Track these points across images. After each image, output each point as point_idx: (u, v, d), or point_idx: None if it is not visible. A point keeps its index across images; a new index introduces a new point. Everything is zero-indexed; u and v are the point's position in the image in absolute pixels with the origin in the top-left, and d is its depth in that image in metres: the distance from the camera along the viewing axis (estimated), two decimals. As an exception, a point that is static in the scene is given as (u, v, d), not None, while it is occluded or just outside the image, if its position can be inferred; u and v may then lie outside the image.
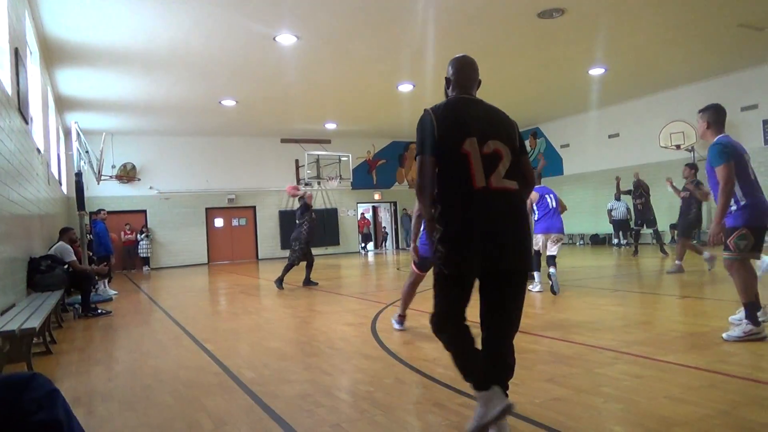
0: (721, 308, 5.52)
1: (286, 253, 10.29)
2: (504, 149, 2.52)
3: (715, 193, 4.19)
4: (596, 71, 13.24)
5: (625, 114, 17.14)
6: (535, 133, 20.77)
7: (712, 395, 2.97)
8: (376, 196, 22.63)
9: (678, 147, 14.94)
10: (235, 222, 20.30)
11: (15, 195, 6.04)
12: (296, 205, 16.94)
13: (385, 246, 24.46)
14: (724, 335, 4.19)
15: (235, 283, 11.84)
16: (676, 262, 8.91)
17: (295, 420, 2.94)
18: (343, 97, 14.63)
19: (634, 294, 7.25)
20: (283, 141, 20.58)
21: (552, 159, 19.46)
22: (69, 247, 7.73)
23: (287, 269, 9.89)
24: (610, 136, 17.78)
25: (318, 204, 19.10)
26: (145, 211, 18.63)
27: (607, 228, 17.30)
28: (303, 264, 10.06)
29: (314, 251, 10.49)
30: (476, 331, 2.66)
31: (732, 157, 4.13)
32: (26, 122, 7.26)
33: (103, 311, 7.66)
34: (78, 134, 10.32)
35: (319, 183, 19.97)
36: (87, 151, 11.19)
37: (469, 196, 2.42)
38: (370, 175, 22.28)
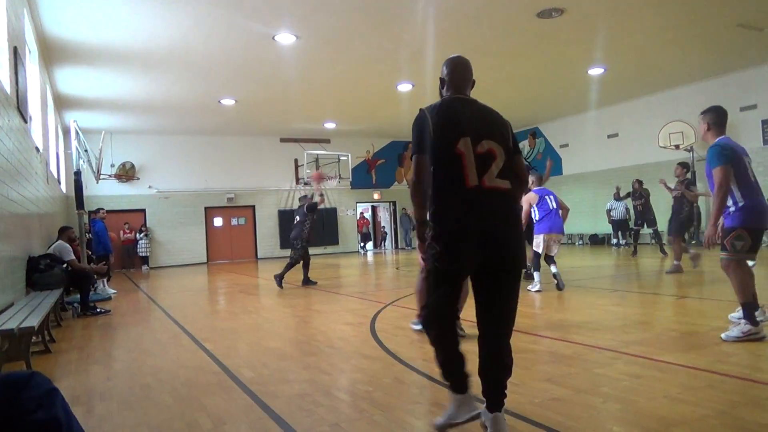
0: (719, 308, 5.52)
1: (285, 252, 10.35)
2: (498, 149, 2.55)
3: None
4: (595, 71, 13.25)
5: (624, 114, 17.14)
6: (535, 133, 20.78)
7: (710, 395, 2.98)
8: (376, 196, 22.63)
9: (677, 147, 14.95)
10: (234, 221, 20.30)
11: (14, 194, 6.03)
12: (296, 204, 16.93)
13: (384, 245, 24.47)
14: (722, 335, 4.19)
15: (234, 282, 11.84)
16: (675, 262, 8.92)
17: (294, 419, 2.94)
18: (343, 96, 14.62)
19: (633, 294, 7.25)
20: (283, 140, 20.57)
21: (551, 159, 19.44)
22: (68, 246, 7.72)
23: (289, 267, 9.90)
24: (609, 136, 17.79)
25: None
26: (144, 210, 18.63)
27: (606, 228, 17.31)
28: (300, 264, 10.08)
29: (313, 250, 10.51)
30: (474, 332, 2.67)
31: (730, 159, 4.14)
32: (25, 121, 7.26)
33: (102, 310, 7.66)
34: (77, 133, 10.31)
35: (318, 182, 19.94)
36: (86, 150, 11.18)
37: (462, 195, 2.46)
38: (369, 174, 22.29)
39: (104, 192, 16.99)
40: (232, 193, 19.86)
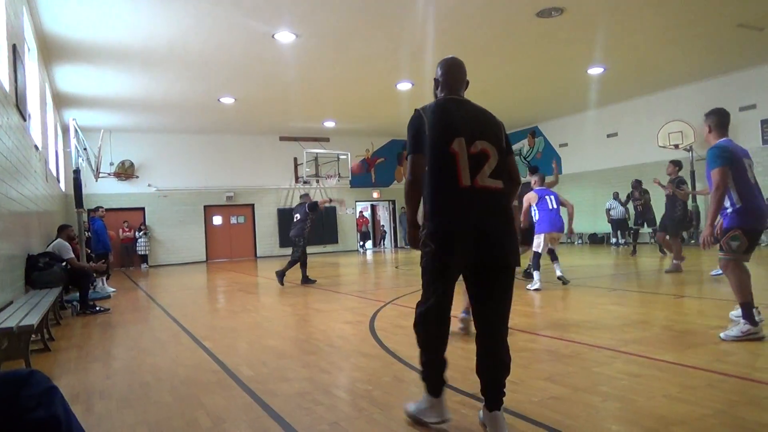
0: (718, 307, 5.53)
1: (284, 251, 10.33)
2: (491, 149, 2.60)
3: None
4: (595, 70, 13.25)
5: (623, 113, 17.15)
6: (534, 132, 20.78)
7: (709, 394, 2.98)
8: (375, 195, 22.63)
9: (676, 146, 14.95)
10: (233, 220, 20.29)
11: (13, 192, 6.03)
12: (295, 202, 16.94)
13: (384, 244, 24.47)
14: (721, 335, 4.20)
15: (233, 280, 11.83)
16: (674, 261, 8.93)
17: (294, 418, 2.94)
18: (342, 95, 14.62)
19: (633, 293, 7.26)
20: (282, 139, 20.56)
21: (550, 158, 19.44)
22: (67, 244, 7.72)
23: (291, 265, 9.91)
24: (608, 136, 17.79)
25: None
26: (143, 209, 18.62)
27: (606, 227, 17.32)
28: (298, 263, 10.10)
29: (312, 249, 10.51)
30: (471, 330, 2.67)
31: (728, 160, 4.18)
32: (24, 119, 7.25)
33: (102, 308, 7.65)
34: (76, 131, 10.29)
35: (317, 181, 19.96)
36: (85, 148, 11.17)
37: (455, 194, 2.50)
38: (368, 173, 22.28)
39: (103, 190, 16.98)
40: (232, 191, 19.85)
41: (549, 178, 8.65)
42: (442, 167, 2.53)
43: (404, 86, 13.61)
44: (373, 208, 25.45)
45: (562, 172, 7.75)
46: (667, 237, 9.37)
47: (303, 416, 2.96)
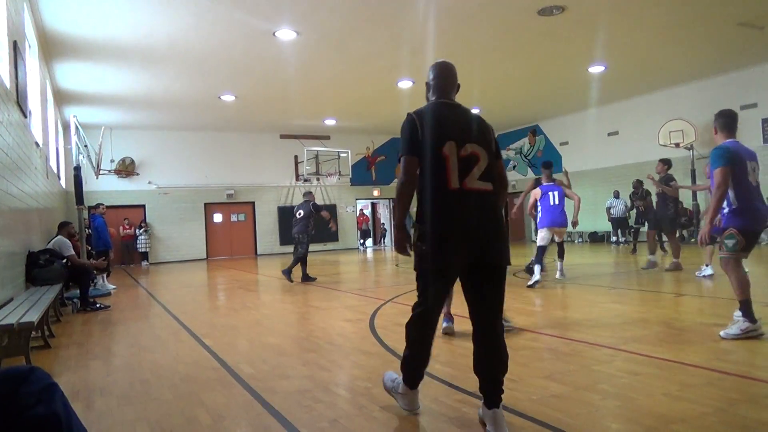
0: (718, 306, 5.54)
1: (284, 249, 10.36)
2: (481, 152, 2.67)
3: None
4: (596, 69, 13.23)
5: (624, 112, 17.13)
6: (535, 131, 20.76)
7: (709, 393, 2.98)
8: (375, 193, 22.62)
9: (677, 145, 14.94)
10: (234, 217, 20.29)
11: (14, 189, 6.03)
12: (295, 200, 16.95)
13: (384, 242, 24.47)
14: (721, 333, 4.21)
15: (233, 278, 11.84)
16: (673, 260, 8.94)
17: (294, 415, 2.94)
18: (343, 93, 14.61)
19: (632, 291, 7.26)
20: (283, 137, 20.55)
21: (551, 156, 19.43)
22: (67, 241, 7.72)
23: (296, 262, 9.96)
24: (609, 134, 17.78)
25: (317, 200, 19.11)
26: (143, 206, 18.62)
27: (606, 226, 17.32)
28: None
29: (313, 247, 10.54)
30: (468, 328, 2.68)
31: (729, 161, 4.23)
32: (25, 116, 7.25)
33: (102, 306, 7.65)
34: (77, 128, 10.29)
35: (318, 179, 19.97)
36: (86, 145, 11.17)
37: (445, 196, 2.58)
38: (369, 171, 22.27)
39: (104, 187, 16.98)
40: (232, 189, 19.85)
41: (558, 175, 8.75)
42: (433, 170, 2.60)
43: (405, 84, 13.59)
44: (373, 206, 25.45)
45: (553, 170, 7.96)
46: (661, 235, 9.44)
47: (303, 413, 2.97)
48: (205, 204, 19.61)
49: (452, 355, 4.10)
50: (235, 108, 15.63)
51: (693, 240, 14.20)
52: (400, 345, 4.48)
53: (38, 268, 6.78)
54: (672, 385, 3.15)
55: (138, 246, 18.04)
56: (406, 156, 2.64)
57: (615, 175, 17.23)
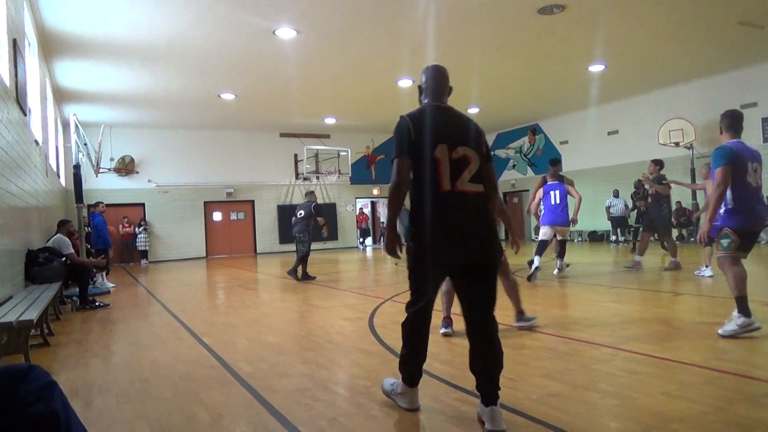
0: (716, 305, 5.54)
1: (284, 247, 10.37)
2: (473, 155, 2.72)
3: None
4: (596, 68, 13.23)
5: (624, 111, 17.13)
6: (535, 130, 20.75)
7: (708, 392, 2.99)
8: (375, 192, 22.62)
9: (677, 144, 14.95)
10: (233, 216, 20.29)
11: (13, 187, 6.03)
12: (295, 199, 16.94)
13: (383, 241, 24.44)
14: (719, 331, 4.23)
15: (233, 277, 11.84)
16: (672, 259, 8.95)
17: (293, 414, 2.94)
18: (343, 91, 14.59)
19: (631, 291, 7.26)
20: (282, 135, 20.54)
21: (550, 155, 19.44)
22: (67, 239, 7.72)
23: (300, 260, 10.01)
24: (609, 133, 17.78)
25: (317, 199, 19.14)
26: (143, 204, 18.62)
27: (606, 225, 17.32)
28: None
29: (312, 246, 10.55)
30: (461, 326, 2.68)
31: (731, 161, 4.26)
32: (24, 114, 7.24)
33: (101, 304, 7.66)
34: (76, 126, 10.29)
35: (317, 178, 19.96)
36: (85, 144, 11.18)
37: (436, 198, 2.64)
38: (368, 170, 22.27)
39: (103, 186, 16.98)
40: (232, 187, 19.85)
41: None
42: (425, 172, 2.66)
43: (405, 83, 13.58)
44: (373, 204, 25.42)
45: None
46: (654, 237, 9.48)
47: (302, 412, 2.97)
48: (205, 202, 19.61)
49: (452, 354, 4.11)
50: (235, 106, 15.62)
51: (692, 239, 14.21)
52: (399, 343, 4.47)
53: (37, 266, 6.77)
54: (671, 384, 3.15)
55: (137, 244, 18.04)
56: (399, 158, 2.70)
57: (614, 175, 17.23)
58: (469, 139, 2.74)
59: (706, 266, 7.81)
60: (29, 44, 8.61)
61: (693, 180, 14.08)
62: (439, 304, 3.73)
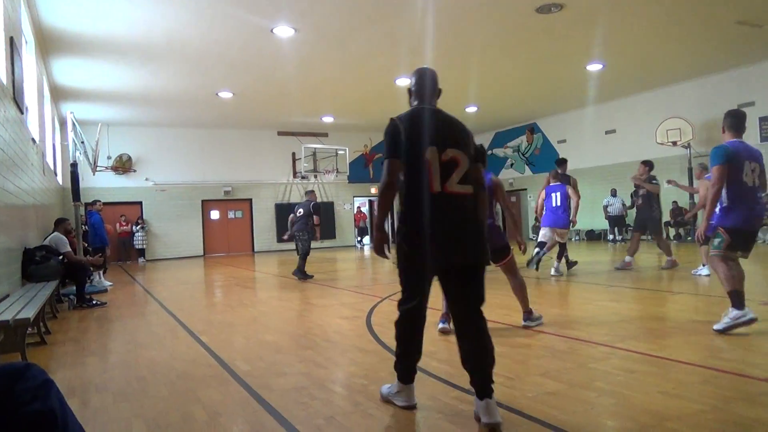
0: (713, 304, 5.55)
1: (282, 246, 10.36)
2: (461, 157, 2.76)
3: None
4: (594, 67, 13.24)
5: (622, 110, 17.14)
6: (533, 129, 20.76)
7: (704, 390, 3.00)
8: (373, 190, 22.61)
9: (675, 143, 14.97)
10: (231, 214, 20.27)
11: (10, 185, 6.01)
12: (293, 197, 16.93)
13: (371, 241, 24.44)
14: (714, 327, 4.27)
15: (230, 275, 11.83)
16: (668, 258, 8.97)
17: (290, 412, 2.94)
18: (341, 90, 14.58)
19: (629, 290, 7.27)
20: (280, 134, 20.52)
21: (549, 154, 19.47)
22: (64, 237, 7.70)
23: (303, 258, 10.04)
24: (607, 132, 17.80)
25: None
26: (140, 203, 18.59)
27: (603, 224, 17.35)
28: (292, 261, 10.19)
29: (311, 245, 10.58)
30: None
31: (727, 160, 4.29)
32: (21, 112, 7.22)
33: (98, 302, 7.64)
34: (74, 124, 10.25)
35: (315, 176, 19.95)
36: (83, 142, 11.13)
37: (427, 200, 2.68)
38: (366, 169, 22.26)
39: (101, 184, 16.95)
40: (229, 186, 19.83)
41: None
42: (416, 174, 2.70)
43: (403, 82, 13.57)
44: (370, 203, 25.42)
45: (549, 169, 8.11)
46: (645, 236, 9.55)
47: (299, 411, 2.97)
48: (203, 201, 19.59)
49: (449, 352, 4.11)
50: (233, 105, 15.60)
51: (690, 238, 14.24)
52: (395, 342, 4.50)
53: (34, 264, 6.76)
54: (668, 382, 3.16)
55: (135, 243, 18.01)
56: (389, 160, 2.74)
57: (612, 174, 17.25)
58: (458, 141, 2.77)
59: (703, 265, 7.83)
60: (26, 42, 8.59)
61: (690, 179, 14.10)
62: (435, 303, 3.71)
